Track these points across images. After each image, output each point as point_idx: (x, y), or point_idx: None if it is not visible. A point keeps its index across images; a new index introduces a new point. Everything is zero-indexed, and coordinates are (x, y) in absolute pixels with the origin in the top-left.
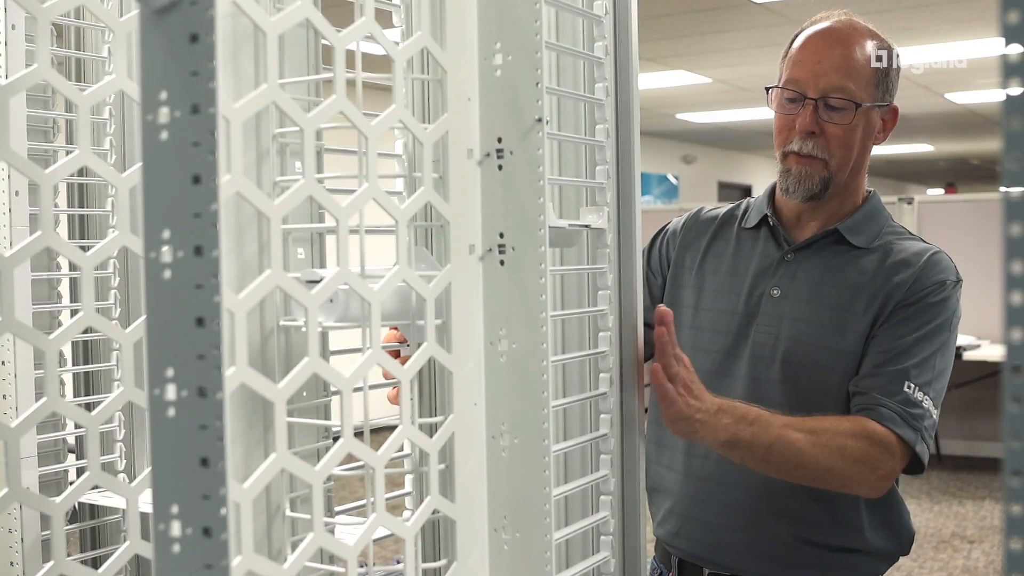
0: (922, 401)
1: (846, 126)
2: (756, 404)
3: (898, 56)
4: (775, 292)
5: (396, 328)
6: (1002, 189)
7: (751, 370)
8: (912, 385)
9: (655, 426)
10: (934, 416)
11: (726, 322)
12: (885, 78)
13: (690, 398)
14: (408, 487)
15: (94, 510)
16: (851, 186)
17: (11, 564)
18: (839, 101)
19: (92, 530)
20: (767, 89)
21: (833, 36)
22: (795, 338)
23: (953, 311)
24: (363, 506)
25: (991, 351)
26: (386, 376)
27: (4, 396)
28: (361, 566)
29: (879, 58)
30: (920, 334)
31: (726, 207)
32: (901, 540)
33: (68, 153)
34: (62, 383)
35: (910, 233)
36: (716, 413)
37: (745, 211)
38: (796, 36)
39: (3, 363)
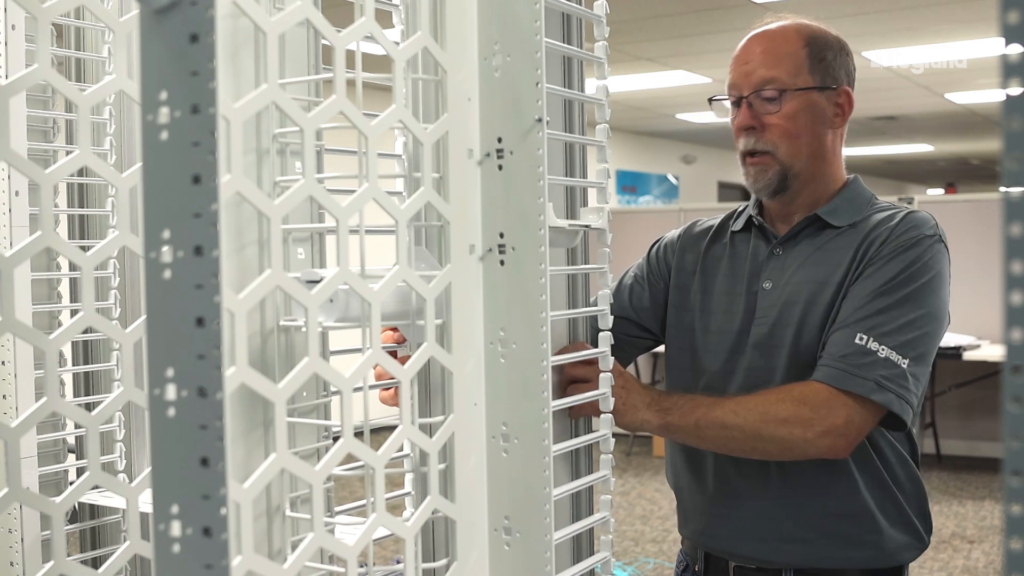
0: (877, 351)
1: (780, 113)
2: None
3: (839, 40)
4: (767, 285)
5: (395, 328)
6: (1002, 189)
7: (751, 362)
8: (864, 337)
9: None
10: (903, 365)
11: (729, 322)
12: (820, 63)
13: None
14: (408, 487)
15: (94, 510)
16: (820, 173)
17: (11, 564)
18: (770, 91)
19: (92, 530)
20: (710, 101)
21: (760, 36)
22: (786, 322)
23: (923, 262)
24: (363, 506)
25: (991, 351)
26: (380, 376)
27: (4, 396)
28: (361, 566)
29: (811, 43)
30: (879, 288)
31: (719, 218)
32: (924, 519)
33: (68, 153)
34: (62, 383)
35: (895, 207)
36: (648, 403)
37: (736, 218)
38: None
39: (3, 363)
